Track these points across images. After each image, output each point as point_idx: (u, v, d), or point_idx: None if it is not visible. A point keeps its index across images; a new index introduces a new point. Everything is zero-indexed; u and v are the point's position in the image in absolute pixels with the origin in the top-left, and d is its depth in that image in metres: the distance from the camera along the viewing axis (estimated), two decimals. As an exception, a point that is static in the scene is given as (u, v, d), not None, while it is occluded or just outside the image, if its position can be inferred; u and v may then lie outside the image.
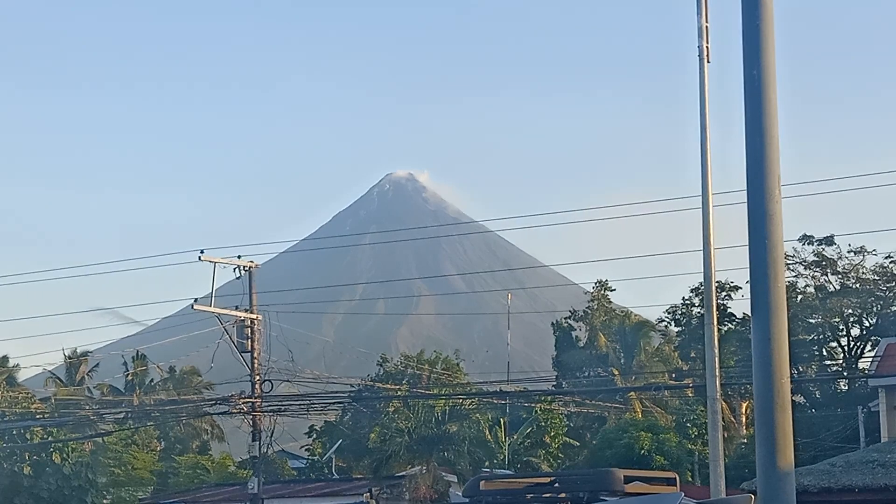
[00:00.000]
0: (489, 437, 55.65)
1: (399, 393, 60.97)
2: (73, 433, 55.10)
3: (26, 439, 51.65)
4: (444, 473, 53.04)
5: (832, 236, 61.80)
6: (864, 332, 62.76)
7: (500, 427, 56.54)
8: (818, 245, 61.77)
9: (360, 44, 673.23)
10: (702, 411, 51.22)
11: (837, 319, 62.66)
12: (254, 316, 40.22)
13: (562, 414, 62.65)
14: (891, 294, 62.28)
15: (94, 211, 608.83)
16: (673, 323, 69.50)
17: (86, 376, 76.92)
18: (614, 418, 62.26)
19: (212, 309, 39.55)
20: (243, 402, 40.54)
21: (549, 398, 59.16)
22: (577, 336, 73.48)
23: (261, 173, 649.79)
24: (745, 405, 60.99)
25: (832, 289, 62.38)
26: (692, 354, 65.08)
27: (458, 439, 53.45)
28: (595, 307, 72.89)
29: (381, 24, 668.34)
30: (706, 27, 19.66)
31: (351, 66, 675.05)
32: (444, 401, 55.43)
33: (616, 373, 66.68)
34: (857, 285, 61.98)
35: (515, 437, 57.70)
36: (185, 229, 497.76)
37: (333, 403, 49.10)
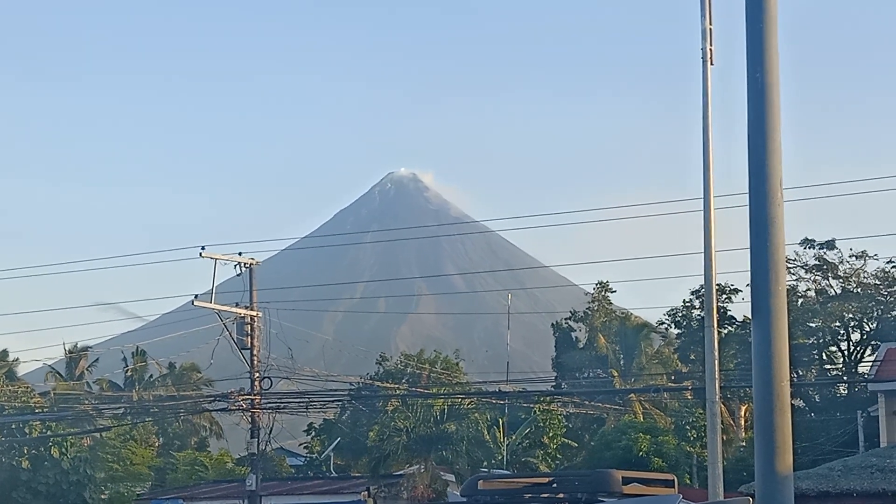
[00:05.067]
0: (487, 436, 55.59)
1: (398, 392, 60.96)
2: (71, 428, 55.05)
3: (25, 433, 51.64)
4: (442, 473, 53.01)
5: (834, 240, 61.79)
6: (865, 337, 62.73)
7: (499, 427, 56.50)
8: (819, 249, 61.74)
9: (368, 45, 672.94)
10: (701, 414, 51.22)
11: (838, 324, 62.64)
12: (254, 313, 40.23)
13: (561, 415, 62.63)
14: (892, 299, 62.26)
15: (97, 206, 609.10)
16: (673, 325, 69.46)
17: (85, 371, 76.93)
18: (613, 420, 62.24)
19: (212, 305, 39.56)
20: (242, 399, 40.55)
21: (548, 399, 59.12)
22: (576, 337, 73.43)
23: (265, 170, 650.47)
24: (744, 408, 61.00)
25: (833, 293, 62.36)
26: (692, 357, 65.05)
27: (456, 439, 53.41)
28: (595, 308, 72.84)
29: (389, 24, 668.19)
30: (710, 30, 19.62)
31: (359, 68, 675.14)
32: (443, 400, 55.41)
33: (615, 374, 66.64)
34: (858, 290, 61.95)
35: (514, 437, 57.64)
36: (188, 225, 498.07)
37: (332, 401, 49.09)
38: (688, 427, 56.96)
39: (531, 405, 58.33)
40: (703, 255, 19.81)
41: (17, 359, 73.64)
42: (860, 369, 59.51)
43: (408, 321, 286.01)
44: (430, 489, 50.19)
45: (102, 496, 57.12)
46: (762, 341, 7.55)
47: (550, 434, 59.61)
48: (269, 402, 40.94)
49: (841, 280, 62.37)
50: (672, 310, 68.31)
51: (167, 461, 69.86)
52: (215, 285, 39.32)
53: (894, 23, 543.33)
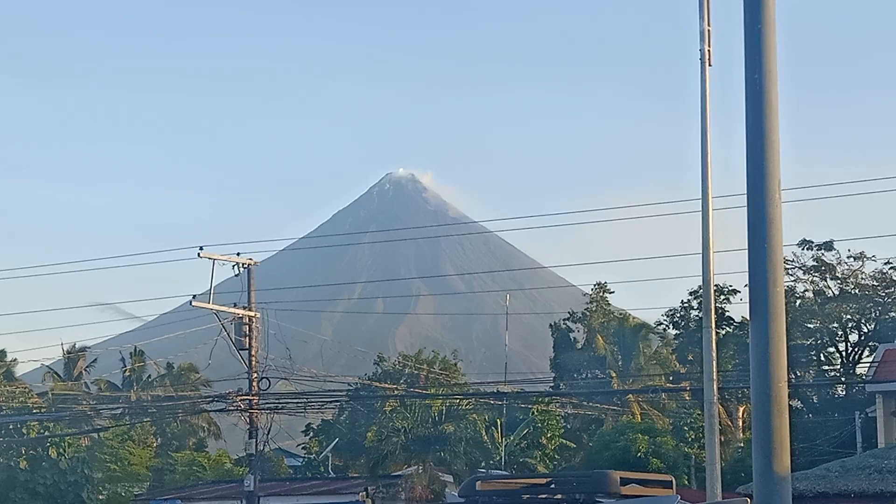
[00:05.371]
0: (486, 437, 55.57)
1: (396, 392, 60.95)
2: (69, 428, 55.02)
3: (23, 434, 51.63)
4: (440, 473, 52.99)
5: (832, 241, 61.85)
6: (863, 338, 62.75)
7: (497, 428, 56.49)
8: (818, 250, 61.76)
9: (367, 45, 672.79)
10: (699, 415, 51.27)
11: (836, 325, 62.65)
12: (252, 313, 40.21)
13: (559, 415, 62.62)
14: (889, 300, 62.28)
15: (96, 206, 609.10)
16: (671, 326, 69.45)
17: (83, 371, 76.85)
18: (611, 420, 62.25)
19: (210, 306, 39.54)
20: (240, 400, 40.52)
21: (546, 399, 59.14)
22: (575, 338, 73.41)
23: (264, 171, 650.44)
24: (742, 409, 60.98)
25: (831, 294, 62.39)
26: (690, 357, 65.06)
27: (454, 439, 53.38)
28: (593, 309, 72.84)
29: (387, 25, 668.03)
30: (708, 31, 19.61)
31: (357, 68, 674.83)
32: (441, 401, 55.39)
33: (614, 375, 66.63)
34: (856, 291, 61.98)
35: (512, 438, 57.64)
36: (186, 225, 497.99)
37: (331, 402, 49.09)
38: (686, 428, 56.95)
39: (529, 406, 58.34)
40: (701, 255, 19.79)
41: (16, 359, 73.67)
42: (858, 370, 59.54)
43: (406, 322, 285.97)
44: (428, 490, 50.19)
45: (100, 496, 57.11)
46: (760, 342, 7.55)
47: (549, 435, 59.64)
48: (268, 403, 40.93)
49: (839, 281, 62.39)
50: (670, 310, 68.35)
51: (165, 462, 69.82)
52: (213, 285, 39.30)
53: (894, 23, 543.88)
